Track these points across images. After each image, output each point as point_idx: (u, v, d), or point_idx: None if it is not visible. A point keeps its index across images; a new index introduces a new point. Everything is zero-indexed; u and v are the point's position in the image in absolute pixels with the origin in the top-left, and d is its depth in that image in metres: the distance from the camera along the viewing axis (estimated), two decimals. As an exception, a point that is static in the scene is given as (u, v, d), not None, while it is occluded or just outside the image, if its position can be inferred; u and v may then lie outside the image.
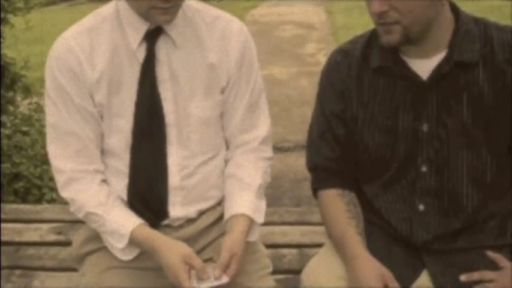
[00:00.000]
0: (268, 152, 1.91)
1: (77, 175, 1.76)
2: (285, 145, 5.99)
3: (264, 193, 1.87)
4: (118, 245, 1.75)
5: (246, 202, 1.78)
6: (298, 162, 5.50)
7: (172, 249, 1.68)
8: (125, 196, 1.79)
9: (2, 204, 3.19)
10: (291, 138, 6.18)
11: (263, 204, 1.83)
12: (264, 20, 14.38)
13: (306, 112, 6.53)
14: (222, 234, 1.87)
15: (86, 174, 1.77)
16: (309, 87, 8.05)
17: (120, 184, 1.79)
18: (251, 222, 1.77)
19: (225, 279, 1.63)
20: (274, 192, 4.69)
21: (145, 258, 1.76)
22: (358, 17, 12.59)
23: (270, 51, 10.34)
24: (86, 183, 1.77)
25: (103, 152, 1.80)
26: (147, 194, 1.78)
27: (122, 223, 1.74)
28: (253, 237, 1.81)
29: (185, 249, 1.69)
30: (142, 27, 1.71)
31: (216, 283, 1.62)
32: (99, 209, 1.75)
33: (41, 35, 10.35)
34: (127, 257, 1.77)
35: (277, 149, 5.92)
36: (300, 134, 6.06)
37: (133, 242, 1.73)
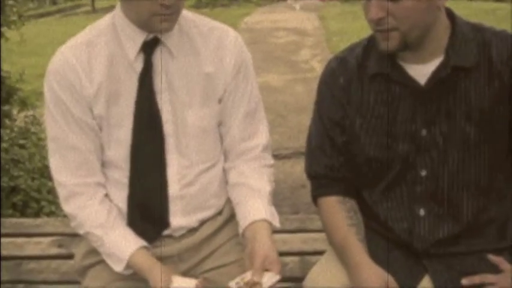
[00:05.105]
0: (270, 160, 1.92)
1: (78, 189, 1.77)
2: (282, 152, 6.00)
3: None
4: (115, 268, 1.76)
5: (261, 208, 1.78)
6: (296, 169, 5.52)
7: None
8: (125, 207, 1.80)
9: (2, 219, 3.19)
10: (288, 145, 6.20)
11: (274, 209, 1.83)
12: (257, 27, 14.43)
13: (302, 119, 6.56)
14: (224, 243, 1.88)
15: (87, 188, 1.78)
16: (304, 94, 8.08)
17: (121, 195, 1.80)
18: (270, 226, 1.76)
19: (277, 277, 1.64)
20: (272, 200, 4.69)
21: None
22: (351, 22, 12.64)
23: (264, 59, 10.39)
24: (87, 199, 1.77)
25: (103, 164, 1.81)
26: (148, 204, 1.79)
27: (120, 247, 1.75)
28: None
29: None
30: (139, 38, 1.72)
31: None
32: (99, 230, 1.76)
33: (34, 47, 10.36)
34: (127, 272, 1.78)
35: (274, 156, 5.89)
36: (296, 141, 6.07)
37: (129, 266, 1.75)
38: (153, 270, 1.71)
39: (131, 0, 1.66)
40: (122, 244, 1.76)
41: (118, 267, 1.76)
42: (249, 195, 1.81)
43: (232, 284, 1.65)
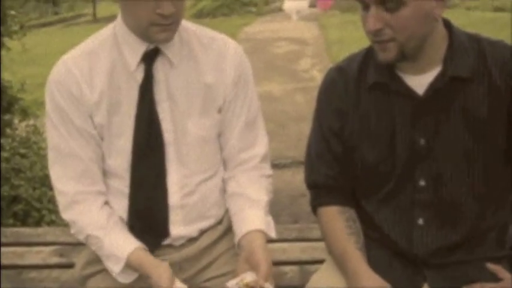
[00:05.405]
0: (268, 170, 1.92)
1: (79, 197, 1.77)
2: (281, 161, 6.01)
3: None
4: (114, 269, 1.75)
5: (258, 218, 1.78)
6: (295, 178, 5.52)
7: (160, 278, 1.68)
8: (125, 216, 1.80)
9: (2, 228, 3.19)
10: (288, 154, 6.20)
11: (271, 220, 1.84)
12: (257, 37, 14.46)
13: (302, 128, 6.57)
14: (224, 253, 1.89)
15: (88, 196, 1.78)
16: (304, 103, 8.10)
17: (121, 204, 1.80)
18: (265, 236, 1.77)
19: None
20: (272, 209, 4.70)
21: (146, 279, 1.77)
22: (351, 31, 12.65)
23: (264, 68, 10.41)
24: (88, 205, 1.78)
25: (104, 173, 1.81)
26: (148, 214, 1.80)
27: (119, 246, 1.75)
28: None
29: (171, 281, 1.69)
30: (140, 49, 1.73)
31: None
32: (99, 232, 1.76)
33: (36, 57, 10.39)
34: (126, 280, 1.78)
35: (273, 165, 5.90)
36: (296, 150, 6.08)
37: (129, 266, 1.74)
38: (158, 267, 1.70)
39: (130, 10, 1.68)
40: (122, 243, 1.75)
41: (117, 268, 1.75)
42: (246, 205, 1.81)
43: (231, 283, 1.64)
